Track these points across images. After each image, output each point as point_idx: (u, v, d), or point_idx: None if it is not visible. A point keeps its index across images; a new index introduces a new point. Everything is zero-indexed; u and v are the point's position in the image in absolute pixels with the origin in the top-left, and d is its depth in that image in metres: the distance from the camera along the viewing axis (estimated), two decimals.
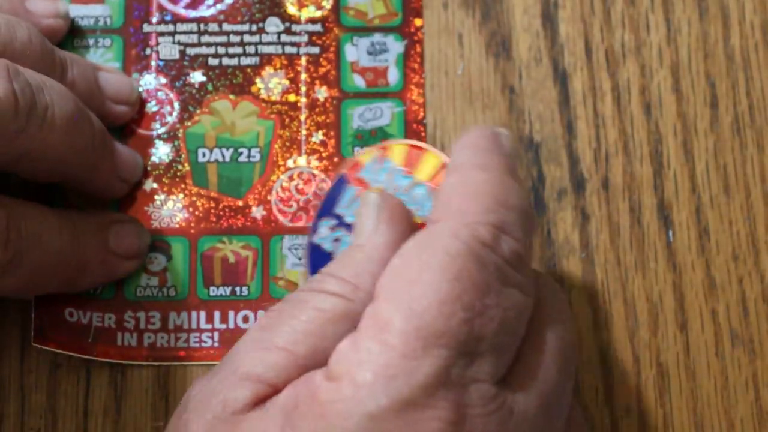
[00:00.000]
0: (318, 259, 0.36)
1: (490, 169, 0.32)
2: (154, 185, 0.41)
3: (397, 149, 0.35)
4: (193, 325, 0.39)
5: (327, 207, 0.36)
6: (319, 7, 0.42)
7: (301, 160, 0.41)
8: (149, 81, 0.41)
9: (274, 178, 0.41)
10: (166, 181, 0.41)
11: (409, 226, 0.33)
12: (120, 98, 0.40)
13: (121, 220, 0.39)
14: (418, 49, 0.42)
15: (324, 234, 0.36)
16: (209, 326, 0.39)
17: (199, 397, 0.31)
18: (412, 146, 0.35)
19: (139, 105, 0.41)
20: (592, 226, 0.40)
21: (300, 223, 0.40)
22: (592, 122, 0.41)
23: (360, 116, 0.41)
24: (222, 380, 0.31)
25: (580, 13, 0.42)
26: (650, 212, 0.40)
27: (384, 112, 0.41)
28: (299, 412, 0.29)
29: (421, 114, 0.41)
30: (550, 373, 0.31)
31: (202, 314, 0.39)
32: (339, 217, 0.36)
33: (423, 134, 0.41)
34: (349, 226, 0.35)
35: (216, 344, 0.39)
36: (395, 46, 0.41)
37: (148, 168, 0.41)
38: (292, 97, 0.41)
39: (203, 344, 0.39)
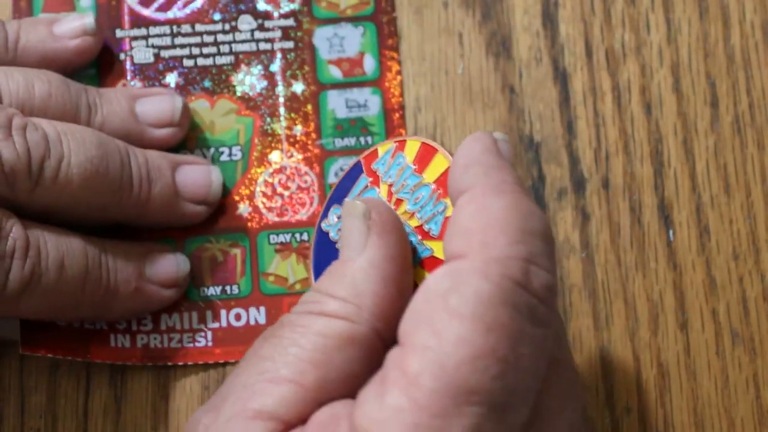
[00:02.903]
0: (323, 245, 0.35)
1: (506, 191, 0.29)
2: None
3: (412, 145, 0.35)
4: (186, 326, 0.39)
5: (339, 193, 0.36)
6: (291, 1, 0.42)
7: (283, 155, 0.41)
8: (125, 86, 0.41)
9: (256, 174, 0.41)
10: None
11: (402, 236, 0.32)
12: (162, 122, 0.39)
13: (158, 250, 0.39)
14: (393, 38, 0.42)
15: (332, 220, 0.36)
16: (202, 326, 0.39)
17: None
18: (426, 144, 0.34)
19: (188, 122, 0.40)
20: (593, 226, 0.40)
21: (286, 218, 0.40)
22: (592, 122, 0.41)
23: (340, 107, 0.41)
24: (231, 419, 0.29)
25: (580, 12, 0.42)
26: (650, 212, 0.40)
27: (366, 102, 0.41)
28: None
29: (400, 101, 0.41)
30: (568, 413, 0.29)
31: (194, 314, 0.39)
32: None
33: (402, 122, 0.41)
34: None
35: (209, 343, 0.39)
36: (355, 35, 0.42)
37: None
38: (269, 93, 0.41)
39: (197, 344, 0.39)
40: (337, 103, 0.41)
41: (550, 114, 0.41)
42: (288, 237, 0.40)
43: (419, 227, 0.33)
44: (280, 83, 0.41)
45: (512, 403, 0.27)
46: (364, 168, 0.35)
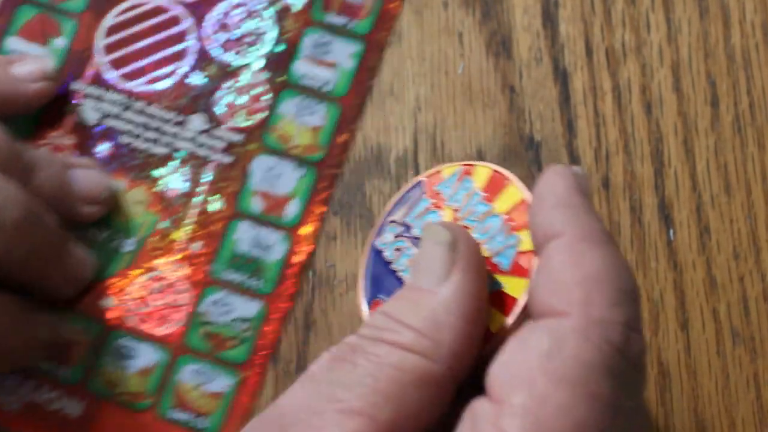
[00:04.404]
0: (377, 264, 0.33)
1: (598, 241, 0.28)
2: None
3: (482, 171, 0.33)
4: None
5: (397, 211, 0.34)
6: (249, 118, 0.41)
7: (170, 266, 0.40)
8: (57, 138, 0.41)
9: (137, 273, 0.40)
10: None
11: (484, 275, 0.30)
12: (90, 197, 0.39)
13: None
14: (328, 192, 0.40)
15: (388, 239, 0.34)
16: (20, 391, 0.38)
17: None
18: (497, 172, 0.32)
19: (112, 202, 0.40)
20: None
21: (143, 327, 0.39)
22: (592, 121, 0.41)
23: (245, 241, 0.40)
24: None
25: (580, 12, 0.42)
26: (651, 211, 0.40)
27: (272, 247, 0.40)
28: None
29: (303, 261, 0.40)
30: None
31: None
32: (407, 226, 0.34)
33: (293, 283, 0.40)
34: (414, 239, 0.33)
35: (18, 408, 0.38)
36: (294, 176, 0.40)
37: None
38: (185, 200, 0.40)
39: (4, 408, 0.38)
40: (243, 236, 0.40)
41: (551, 114, 0.41)
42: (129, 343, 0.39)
43: (487, 259, 0.31)
44: (200, 194, 0.40)
45: None
46: (425, 189, 0.34)
